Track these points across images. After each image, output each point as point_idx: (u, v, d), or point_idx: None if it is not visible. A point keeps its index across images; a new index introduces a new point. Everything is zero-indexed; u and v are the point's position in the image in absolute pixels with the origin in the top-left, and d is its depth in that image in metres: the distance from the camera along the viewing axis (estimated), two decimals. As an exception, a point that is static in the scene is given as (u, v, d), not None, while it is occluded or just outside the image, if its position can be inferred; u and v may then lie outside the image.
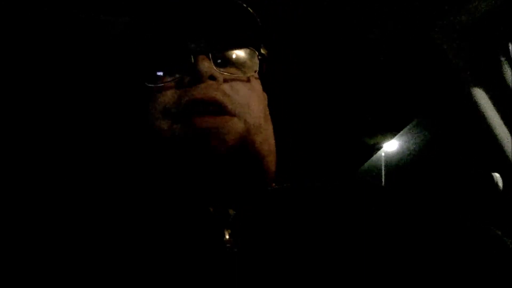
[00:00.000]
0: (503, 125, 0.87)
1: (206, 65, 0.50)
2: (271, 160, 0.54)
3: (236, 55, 0.54)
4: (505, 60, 0.88)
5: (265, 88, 0.61)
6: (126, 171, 0.54)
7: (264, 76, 0.60)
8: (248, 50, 0.55)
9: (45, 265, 0.42)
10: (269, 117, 0.58)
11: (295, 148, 0.59)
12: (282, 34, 0.62)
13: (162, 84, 0.51)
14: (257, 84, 0.56)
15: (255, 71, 0.55)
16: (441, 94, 1.02)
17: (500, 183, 0.90)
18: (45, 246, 0.44)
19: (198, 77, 0.50)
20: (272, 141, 0.56)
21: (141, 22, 0.53)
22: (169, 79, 0.51)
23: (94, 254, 0.43)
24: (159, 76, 0.52)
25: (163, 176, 0.50)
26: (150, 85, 0.51)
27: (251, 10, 0.54)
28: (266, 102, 0.61)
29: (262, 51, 0.60)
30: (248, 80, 0.54)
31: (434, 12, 0.85)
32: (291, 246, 0.45)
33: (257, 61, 0.55)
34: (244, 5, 0.53)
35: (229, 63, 0.53)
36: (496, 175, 0.90)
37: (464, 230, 0.50)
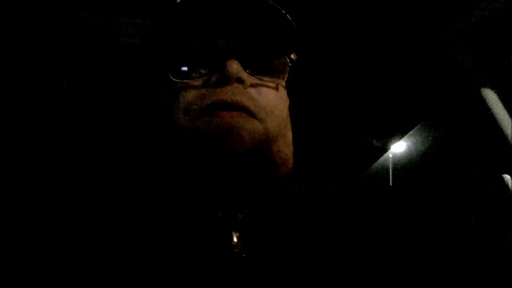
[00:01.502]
0: (514, 126, 0.86)
1: (235, 67, 0.49)
2: (285, 169, 0.53)
3: (267, 60, 0.53)
4: (515, 60, 0.87)
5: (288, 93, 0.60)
6: (136, 171, 0.54)
7: (289, 81, 0.60)
8: (279, 57, 0.54)
9: (47, 265, 0.42)
10: (290, 124, 0.57)
11: (303, 150, 0.58)
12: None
13: (188, 81, 0.50)
14: (283, 91, 0.55)
15: (284, 79, 0.54)
16: (450, 95, 1.02)
17: (511, 185, 0.89)
18: (49, 246, 0.44)
19: (225, 78, 0.49)
20: (290, 149, 0.55)
21: (176, 17, 0.52)
22: (195, 76, 0.51)
23: (100, 256, 0.43)
24: (186, 72, 0.51)
25: (176, 174, 0.50)
26: (175, 80, 0.50)
27: (289, 17, 0.53)
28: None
29: (292, 57, 0.59)
30: (277, 87, 0.53)
31: (443, 13, 0.84)
32: (300, 250, 0.45)
33: (287, 69, 0.54)
34: (283, 11, 0.52)
35: (258, 67, 0.52)
36: (507, 177, 0.89)
37: (472, 232, 0.50)
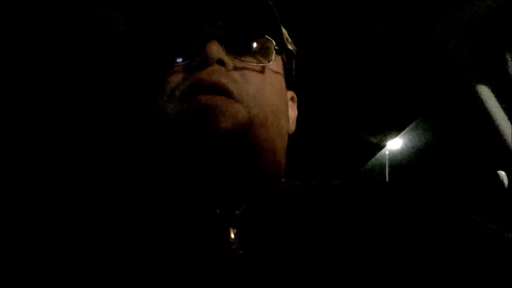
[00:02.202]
0: (509, 123, 0.87)
1: (215, 49, 0.49)
2: (273, 158, 0.53)
3: (249, 42, 0.53)
4: (510, 57, 0.87)
5: (294, 87, 0.60)
6: (129, 166, 0.54)
7: (292, 74, 0.59)
8: (263, 39, 0.53)
9: (47, 264, 0.42)
10: (286, 115, 0.56)
11: (298, 147, 0.58)
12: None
13: (173, 67, 0.51)
14: (274, 77, 0.54)
15: (269, 62, 0.53)
16: (445, 92, 1.02)
17: (506, 181, 0.89)
18: (48, 244, 0.43)
19: (205, 61, 0.49)
20: (280, 138, 0.54)
21: (154, 5, 0.53)
22: (179, 62, 0.51)
23: (97, 254, 0.43)
24: (171, 58, 0.52)
25: (168, 164, 0.50)
26: (161, 66, 0.51)
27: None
28: (287, 99, 0.59)
29: (290, 46, 0.59)
30: (262, 71, 0.53)
31: (437, 8, 0.84)
32: (297, 247, 0.44)
33: (273, 52, 0.53)
34: None
35: (241, 50, 0.52)
36: (502, 173, 0.90)
37: (468, 228, 0.50)
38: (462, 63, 0.90)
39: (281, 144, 0.55)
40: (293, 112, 0.62)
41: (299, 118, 0.64)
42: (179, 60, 0.51)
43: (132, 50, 0.60)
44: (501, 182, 0.89)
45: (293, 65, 0.62)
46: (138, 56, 0.57)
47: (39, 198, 0.49)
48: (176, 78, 0.50)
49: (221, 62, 0.50)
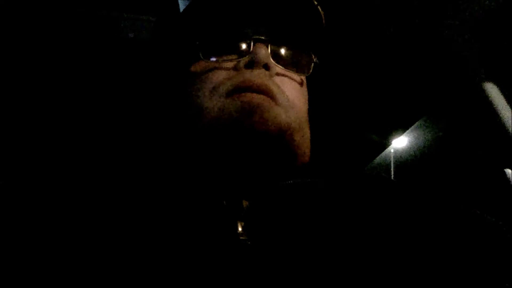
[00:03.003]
0: (515, 120, 0.86)
1: (264, 53, 0.50)
2: (302, 162, 0.54)
3: (294, 53, 0.54)
4: (517, 54, 0.87)
5: (310, 90, 0.61)
6: (141, 157, 0.54)
7: (311, 78, 0.60)
8: (307, 52, 0.55)
9: (50, 259, 0.42)
10: (308, 121, 0.58)
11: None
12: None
13: (217, 62, 0.51)
14: (305, 87, 0.56)
15: (308, 74, 0.55)
16: (451, 90, 1.01)
17: (512, 179, 0.89)
18: (50, 239, 0.44)
19: (253, 62, 0.50)
20: (307, 144, 0.56)
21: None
22: (224, 58, 0.52)
23: (103, 245, 0.43)
24: (216, 53, 0.52)
25: (196, 153, 0.51)
26: (205, 59, 0.51)
27: (320, 10, 0.54)
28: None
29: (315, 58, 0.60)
30: (299, 81, 0.54)
31: (444, 6, 0.84)
32: (305, 240, 0.45)
33: (312, 66, 0.55)
34: (316, 2, 0.53)
35: (285, 58, 0.53)
36: (509, 171, 0.89)
37: (475, 226, 0.49)
38: (469, 61, 0.90)
39: (308, 149, 0.56)
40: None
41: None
42: (224, 56, 0.52)
43: (166, 43, 0.59)
44: (508, 180, 0.89)
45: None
46: (173, 50, 0.57)
47: (43, 188, 0.49)
48: (220, 75, 0.51)
49: (266, 66, 0.51)
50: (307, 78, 0.58)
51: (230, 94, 0.49)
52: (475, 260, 0.45)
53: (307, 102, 0.57)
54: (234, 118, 0.48)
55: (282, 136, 0.50)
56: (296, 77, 0.54)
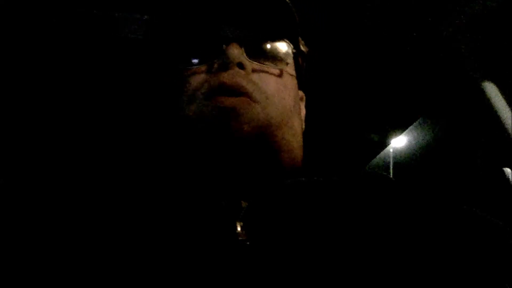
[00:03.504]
0: (514, 120, 0.86)
1: (236, 52, 0.50)
2: (290, 158, 0.54)
3: (269, 46, 0.54)
4: (516, 53, 0.87)
5: (303, 87, 0.61)
6: (138, 162, 0.54)
7: (303, 74, 0.60)
8: (282, 42, 0.55)
9: (49, 259, 0.42)
10: (299, 115, 0.57)
11: (304, 145, 0.59)
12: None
13: (193, 68, 0.52)
14: (290, 80, 0.56)
15: (287, 64, 0.55)
16: (450, 89, 1.01)
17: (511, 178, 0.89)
18: (50, 239, 0.43)
19: (226, 63, 0.50)
20: (296, 138, 0.55)
21: (177, 6, 0.54)
22: (200, 63, 0.52)
23: (103, 247, 0.43)
24: (191, 59, 0.52)
25: (180, 161, 0.51)
26: (181, 67, 0.52)
27: (288, 1, 0.54)
28: (300, 100, 0.61)
29: (302, 48, 0.60)
30: (280, 74, 0.54)
31: (443, 4, 0.84)
32: (304, 239, 0.45)
33: (291, 56, 0.55)
34: None
35: (260, 53, 0.53)
36: (508, 170, 0.89)
37: (475, 226, 0.49)
38: (468, 60, 0.90)
39: (297, 144, 0.56)
40: (302, 111, 0.63)
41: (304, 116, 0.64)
42: (199, 61, 0.52)
43: (150, 50, 0.60)
44: (507, 179, 0.89)
45: (304, 65, 0.62)
46: (156, 56, 0.57)
47: (42, 189, 0.49)
48: (197, 79, 0.51)
49: (240, 65, 0.51)
50: (305, 77, 0.58)
51: (206, 98, 0.50)
52: (475, 260, 0.45)
53: (293, 94, 0.56)
54: (210, 123, 0.48)
55: (262, 134, 0.50)
56: (276, 70, 0.53)
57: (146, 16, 0.81)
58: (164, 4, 0.55)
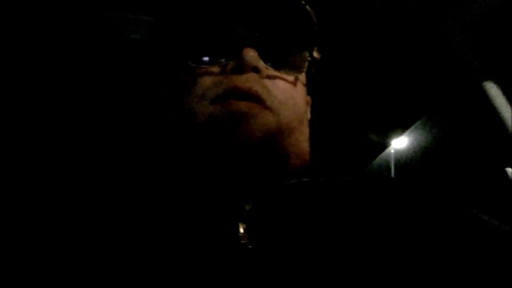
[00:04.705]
0: (516, 119, 0.86)
1: (252, 56, 0.49)
2: (299, 163, 0.54)
3: (286, 53, 0.53)
4: (517, 53, 0.87)
5: (310, 91, 0.60)
6: (139, 162, 0.54)
7: (312, 79, 0.60)
8: (298, 50, 0.54)
9: (48, 260, 0.42)
10: (307, 121, 0.57)
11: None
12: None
13: (205, 67, 0.51)
14: (301, 87, 0.55)
15: (301, 72, 0.54)
16: (451, 89, 1.01)
17: (513, 179, 0.89)
18: (49, 240, 0.43)
19: (241, 66, 0.49)
20: (305, 143, 0.55)
21: (197, 2, 0.52)
22: (213, 63, 0.51)
23: (103, 248, 0.43)
24: (204, 58, 0.51)
25: (185, 160, 0.50)
26: (193, 65, 0.51)
27: (308, 8, 0.53)
28: (309, 106, 0.61)
29: (316, 54, 0.59)
30: (294, 81, 0.53)
31: (444, 5, 0.84)
32: (306, 241, 0.45)
33: (306, 64, 0.54)
34: (303, 2, 0.52)
35: (276, 59, 0.52)
36: (509, 170, 0.89)
37: (477, 228, 0.49)
38: (469, 60, 0.89)
39: (306, 149, 0.56)
40: (308, 115, 0.63)
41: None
42: (212, 60, 0.51)
43: (159, 46, 0.59)
44: (510, 179, 0.89)
45: (314, 71, 0.62)
46: (165, 52, 0.56)
47: (42, 189, 0.48)
48: (208, 79, 0.50)
49: (256, 70, 0.50)
50: (307, 78, 0.57)
51: (217, 100, 0.49)
52: (476, 262, 0.45)
53: (304, 100, 0.56)
54: (220, 125, 0.48)
55: (272, 140, 0.49)
56: (290, 77, 0.53)
57: (146, 17, 0.81)
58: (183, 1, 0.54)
